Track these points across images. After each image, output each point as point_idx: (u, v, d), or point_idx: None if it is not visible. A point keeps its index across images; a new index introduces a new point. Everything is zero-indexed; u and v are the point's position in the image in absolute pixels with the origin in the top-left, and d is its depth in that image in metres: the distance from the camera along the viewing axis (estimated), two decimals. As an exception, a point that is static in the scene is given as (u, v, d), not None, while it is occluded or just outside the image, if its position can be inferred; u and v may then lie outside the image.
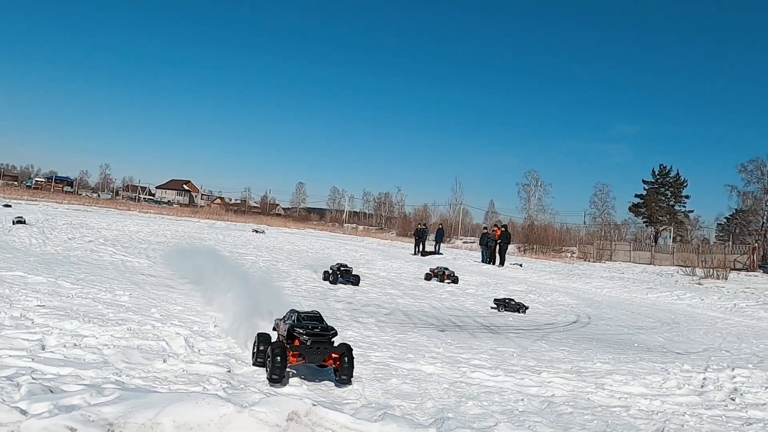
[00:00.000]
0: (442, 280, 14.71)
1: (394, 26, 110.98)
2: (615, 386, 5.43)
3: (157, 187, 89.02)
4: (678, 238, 46.98)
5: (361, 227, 59.39)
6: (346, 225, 61.55)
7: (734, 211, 44.37)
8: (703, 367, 6.94)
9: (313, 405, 2.65)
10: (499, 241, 22.46)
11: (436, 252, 27.58)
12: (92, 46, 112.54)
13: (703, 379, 6.26)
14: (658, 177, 48.15)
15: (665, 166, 48.30)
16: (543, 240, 44.66)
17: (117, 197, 69.12)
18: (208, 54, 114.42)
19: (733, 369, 6.88)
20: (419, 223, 28.28)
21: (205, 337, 5.50)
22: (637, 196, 48.55)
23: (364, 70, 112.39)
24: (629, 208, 49.15)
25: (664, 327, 11.31)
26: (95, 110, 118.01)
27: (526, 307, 10.58)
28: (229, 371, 4.54)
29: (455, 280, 14.87)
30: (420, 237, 25.49)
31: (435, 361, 5.64)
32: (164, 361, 4.50)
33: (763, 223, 42.04)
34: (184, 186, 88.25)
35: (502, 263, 22.35)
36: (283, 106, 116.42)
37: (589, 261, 39.56)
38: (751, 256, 37.90)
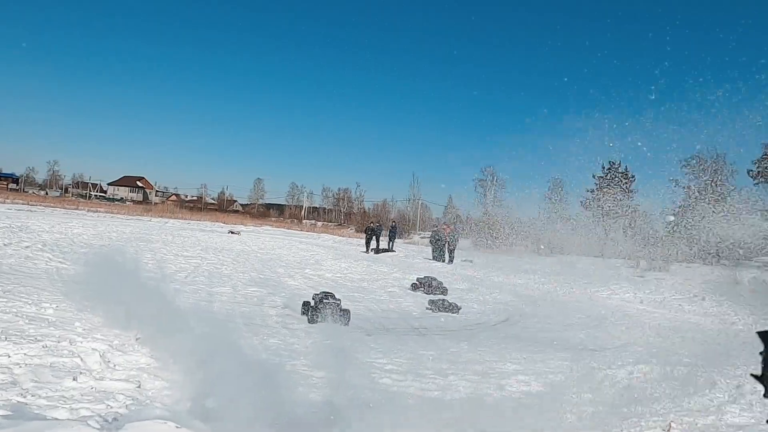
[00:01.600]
0: (429, 293, 13.31)
1: (355, 20, 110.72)
2: (515, 386, 5.85)
3: (109, 184, 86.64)
4: (630, 231, 48.72)
5: (319, 223, 59.34)
6: (305, 221, 61.41)
7: (680, 204, 46.26)
8: (608, 363, 7.46)
9: (177, 428, 2.88)
10: (448, 239, 22.99)
11: (390, 249, 27.94)
12: (37, 35, 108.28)
13: (604, 375, 6.75)
14: (607, 172, 49.76)
15: (614, 162, 49.96)
16: (498, 235, 45.47)
17: (66, 195, 67.04)
18: (161, 46, 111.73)
19: (635, 364, 7.43)
20: (371, 222, 28.55)
21: (123, 351, 5.63)
22: (588, 190, 50.10)
23: (322, 64, 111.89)
24: (580, 202, 50.64)
25: (591, 323, 11.92)
26: (43, 103, 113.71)
27: (459, 307, 11.00)
28: (138, 387, 4.71)
29: (444, 292, 13.56)
30: (371, 235, 25.78)
31: (349, 366, 5.93)
32: (74, 379, 4.62)
33: (705, 217, 43.87)
34: (138, 182, 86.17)
35: (451, 260, 22.89)
36: (241, 101, 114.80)
37: (541, 255, 40.69)
38: (692, 248, 39.65)
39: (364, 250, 26.03)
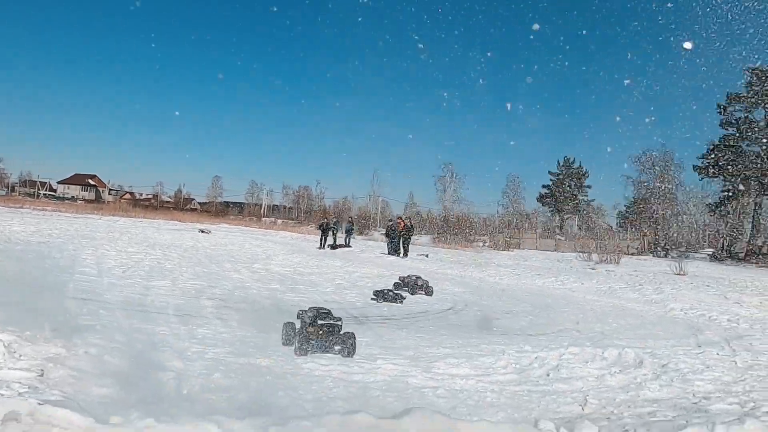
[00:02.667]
0: (413, 292, 12.44)
1: (313, 15, 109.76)
2: (443, 369, 5.83)
3: (59, 182, 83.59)
4: (584, 226, 49.93)
5: (279, 221, 58.67)
6: (264, 219, 60.64)
7: (632, 199, 47.65)
8: (542, 347, 7.53)
9: (39, 404, 2.73)
10: (402, 233, 23.03)
11: (346, 245, 27.81)
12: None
13: (535, 357, 6.81)
14: (562, 168, 50.84)
15: (569, 158, 51.15)
16: (456, 230, 45.95)
17: (12, 194, 64.35)
18: (112, 42, 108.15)
19: (568, 347, 7.52)
20: (324, 217, 28.32)
21: (33, 342, 5.36)
22: (544, 186, 51.07)
23: (279, 59, 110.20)
24: (537, 198, 51.62)
25: (535, 311, 12.07)
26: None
27: (404, 298, 10.99)
28: (41, 375, 4.48)
29: (429, 291, 12.73)
30: (326, 231, 25.57)
31: (273, 354, 5.81)
32: (-30, 369, 4.37)
33: (654, 211, 45.33)
34: (89, 181, 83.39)
35: (405, 254, 22.94)
36: (198, 97, 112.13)
37: (498, 250, 41.31)
38: (642, 242, 40.92)
39: (318, 246, 25.79)
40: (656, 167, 45.22)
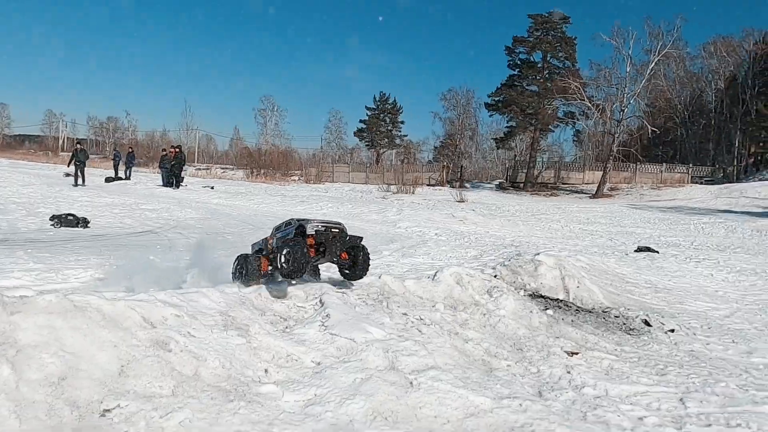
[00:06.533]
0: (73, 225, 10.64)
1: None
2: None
3: None
4: (404, 160, 52.17)
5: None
6: (62, 153, 54.53)
7: (444, 135, 50.62)
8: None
9: None
10: (173, 163, 22.04)
11: (127, 178, 26.00)
12: None
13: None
14: (378, 104, 52.10)
15: (384, 93, 52.48)
16: (270, 165, 45.34)
17: None
18: None
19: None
20: (77, 142, 24.77)
21: None
22: (361, 121, 52.09)
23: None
24: (354, 133, 52.63)
25: (245, 229, 12.36)
26: None
27: (88, 221, 10.48)
28: None
29: (83, 224, 10.88)
30: (81, 161, 21.70)
31: None
32: None
33: (458, 145, 48.63)
34: None
35: (177, 185, 22.07)
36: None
37: (310, 183, 41.76)
38: (442, 174, 43.90)
39: (74, 183, 21.37)
40: (460, 105, 48.26)
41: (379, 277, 5.27)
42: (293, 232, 4.73)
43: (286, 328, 4.28)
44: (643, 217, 23.87)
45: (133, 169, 26.73)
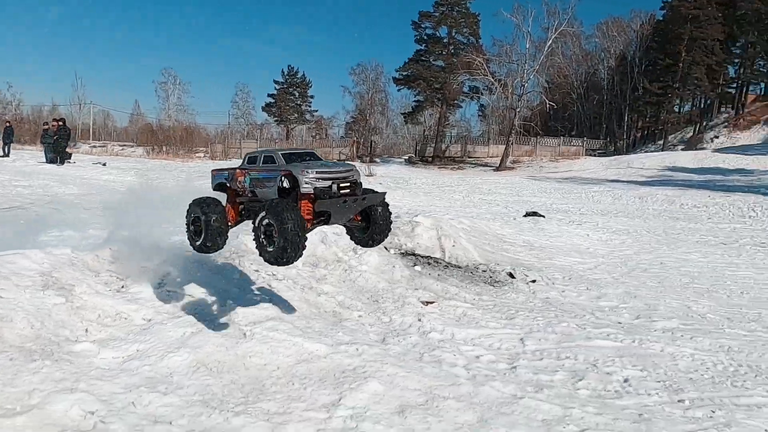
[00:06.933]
0: None
1: None
2: None
3: None
4: (316, 136, 51.40)
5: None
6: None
7: (354, 110, 50.31)
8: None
9: None
10: (56, 137, 20.39)
11: (5, 155, 23.78)
12: None
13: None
14: (287, 78, 50.88)
15: (293, 67, 51.29)
16: (173, 141, 43.27)
17: None
18: None
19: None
20: None
21: None
22: (269, 96, 50.70)
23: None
24: (262, 108, 51.22)
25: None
26: None
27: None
28: None
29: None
30: None
31: None
32: None
33: (368, 120, 48.61)
34: None
35: (62, 161, 20.47)
36: None
37: (216, 160, 40.28)
38: (352, 149, 43.81)
39: None
40: (369, 80, 48.14)
41: (237, 237, 5.11)
42: (277, 187, 3.26)
43: (122, 287, 4.05)
44: (540, 188, 25.02)
45: (13, 145, 24.51)
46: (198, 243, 3.56)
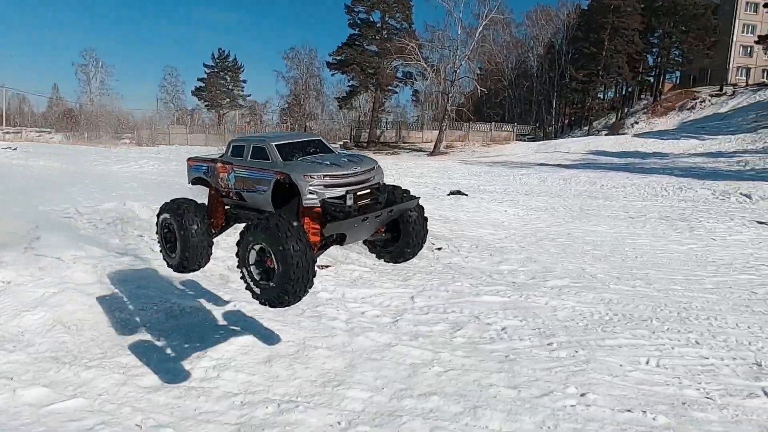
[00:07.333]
0: None
1: None
2: None
3: None
4: (250, 122, 50.19)
5: None
6: None
7: (289, 95, 49.44)
8: None
9: None
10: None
11: None
12: None
13: None
14: (218, 61, 49.39)
15: (224, 51, 49.82)
16: (94, 127, 41.26)
17: None
18: None
19: None
20: None
21: None
22: (199, 80, 49.08)
23: None
24: (192, 92, 49.57)
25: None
26: None
27: None
28: None
29: None
30: None
31: None
32: None
33: (302, 105, 47.96)
34: None
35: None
36: None
37: (142, 146, 38.69)
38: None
39: None
40: (303, 64, 47.48)
41: (124, 204, 4.92)
42: (271, 194, 2.42)
43: (-15, 253, 3.80)
44: (470, 171, 25.53)
45: None
46: (175, 260, 2.71)
